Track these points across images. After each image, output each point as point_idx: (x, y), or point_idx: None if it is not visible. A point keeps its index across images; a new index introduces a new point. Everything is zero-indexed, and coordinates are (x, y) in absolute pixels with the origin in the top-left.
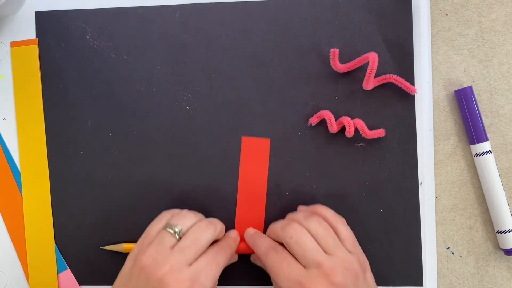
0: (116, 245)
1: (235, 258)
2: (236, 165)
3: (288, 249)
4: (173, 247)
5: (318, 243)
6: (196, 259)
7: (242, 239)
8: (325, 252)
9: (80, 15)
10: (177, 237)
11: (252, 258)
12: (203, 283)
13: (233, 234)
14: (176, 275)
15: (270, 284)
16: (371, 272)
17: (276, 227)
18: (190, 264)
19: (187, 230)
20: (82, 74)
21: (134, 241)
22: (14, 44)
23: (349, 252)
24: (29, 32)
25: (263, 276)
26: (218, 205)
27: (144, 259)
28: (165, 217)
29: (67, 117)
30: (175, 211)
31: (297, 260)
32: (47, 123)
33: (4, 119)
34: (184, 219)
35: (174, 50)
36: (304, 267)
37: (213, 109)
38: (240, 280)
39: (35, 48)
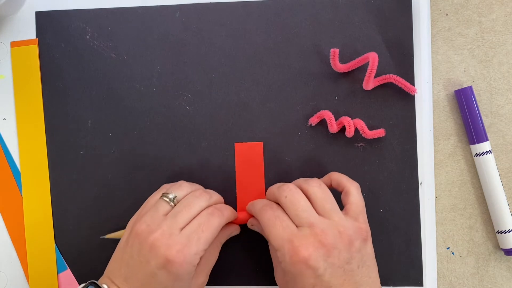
0: (117, 232)
1: (237, 230)
2: None
3: (284, 208)
4: (167, 214)
5: (314, 206)
6: (188, 223)
7: (244, 209)
8: (321, 215)
9: (80, 15)
10: (172, 204)
11: (249, 223)
12: (195, 246)
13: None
14: (167, 240)
15: (271, 284)
16: (371, 244)
17: (273, 188)
18: (182, 229)
19: (182, 198)
20: (82, 74)
21: None
22: (14, 44)
23: (351, 219)
24: (29, 32)
25: (264, 276)
26: None
27: (138, 226)
28: (164, 188)
29: (67, 117)
30: (175, 183)
31: (291, 220)
32: (47, 123)
33: (4, 119)
34: (180, 188)
35: (174, 50)
36: (297, 226)
37: (213, 109)
38: (241, 280)
39: (35, 48)
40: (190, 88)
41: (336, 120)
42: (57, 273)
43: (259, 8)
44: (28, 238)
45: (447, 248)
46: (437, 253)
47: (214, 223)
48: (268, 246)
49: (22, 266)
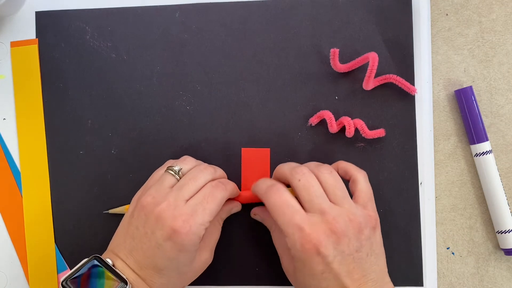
0: (120, 207)
1: (238, 207)
2: (237, 165)
3: (295, 192)
4: (172, 186)
5: (326, 192)
6: (193, 196)
7: (248, 188)
8: (332, 202)
9: (80, 15)
10: (177, 177)
11: (252, 213)
12: (201, 216)
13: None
14: (173, 211)
15: (271, 284)
16: (380, 232)
17: (284, 167)
18: (187, 201)
19: (188, 172)
20: (82, 74)
21: None
22: (14, 44)
23: (361, 206)
24: (29, 32)
25: (264, 276)
26: None
27: (144, 199)
28: (168, 163)
29: (67, 117)
30: (179, 159)
31: (298, 202)
32: (47, 123)
33: (4, 119)
34: (185, 162)
35: (174, 50)
36: (306, 211)
37: (213, 109)
38: (241, 280)
39: (35, 48)
40: (190, 88)
41: (336, 120)
42: (57, 273)
43: (259, 8)
44: (28, 238)
45: (447, 248)
46: (437, 253)
47: (218, 196)
48: (265, 243)
49: (22, 266)
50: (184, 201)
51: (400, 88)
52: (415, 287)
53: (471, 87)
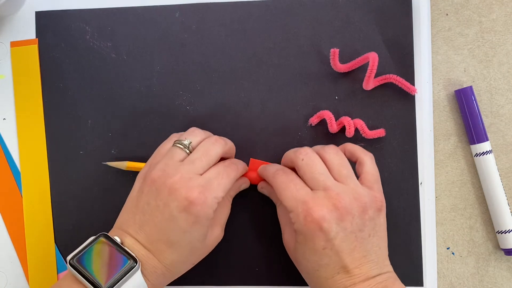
0: (120, 162)
1: (247, 183)
2: None
3: (299, 173)
4: (183, 160)
5: (331, 171)
6: (206, 171)
7: (255, 169)
8: (337, 180)
9: (80, 15)
10: (187, 151)
11: (259, 186)
12: (215, 190)
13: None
14: (187, 182)
15: (271, 284)
16: (385, 215)
17: (290, 152)
18: (201, 175)
19: (197, 145)
20: (82, 74)
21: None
22: (14, 44)
23: (367, 187)
24: (29, 32)
25: (264, 276)
26: None
27: (154, 173)
28: (174, 137)
29: (67, 117)
30: (185, 131)
31: (306, 184)
32: (47, 123)
33: (4, 119)
34: (193, 134)
35: (174, 50)
36: (312, 190)
37: (213, 109)
38: (241, 280)
39: (35, 48)
40: (190, 88)
41: (336, 120)
42: (57, 273)
43: (259, 8)
44: (28, 238)
45: (447, 248)
46: (437, 253)
47: (231, 174)
48: (265, 243)
49: (22, 266)
50: (198, 174)
51: (400, 88)
52: (415, 287)
53: (471, 87)
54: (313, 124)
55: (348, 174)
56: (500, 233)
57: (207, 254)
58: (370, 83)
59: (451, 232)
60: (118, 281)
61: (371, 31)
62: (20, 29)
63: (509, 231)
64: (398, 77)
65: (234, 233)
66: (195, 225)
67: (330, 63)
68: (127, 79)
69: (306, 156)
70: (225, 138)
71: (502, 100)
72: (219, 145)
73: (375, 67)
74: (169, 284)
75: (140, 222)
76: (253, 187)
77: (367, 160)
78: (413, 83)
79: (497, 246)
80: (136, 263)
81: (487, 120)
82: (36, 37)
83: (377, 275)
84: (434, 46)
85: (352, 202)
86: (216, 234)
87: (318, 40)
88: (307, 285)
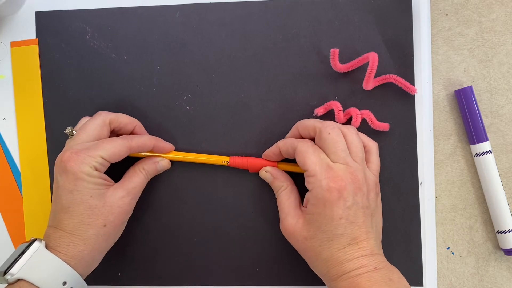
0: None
1: (168, 164)
2: None
3: (321, 143)
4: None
5: (349, 151)
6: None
7: (254, 163)
8: (353, 160)
9: (80, 15)
10: (71, 136)
11: (263, 170)
12: (92, 150)
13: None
14: (64, 153)
15: (271, 284)
16: (381, 201)
17: (312, 120)
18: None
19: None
20: (82, 74)
21: (134, 237)
22: (14, 44)
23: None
24: (29, 32)
25: (264, 275)
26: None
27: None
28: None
29: (67, 117)
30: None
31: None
32: (47, 123)
33: (4, 119)
34: (80, 123)
35: (174, 50)
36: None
37: (213, 109)
38: (241, 280)
39: (35, 48)
40: (190, 88)
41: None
42: None
43: (259, 8)
44: (28, 238)
45: (447, 248)
46: (437, 253)
47: (118, 141)
48: (264, 243)
49: None
50: (77, 144)
51: (400, 88)
52: (415, 287)
53: (471, 87)
54: (318, 115)
55: (362, 157)
56: (500, 233)
57: (120, 220)
58: (370, 83)
59: (451, 232)
60: (15, 261)
61: (371, 31)
62: (20, 29)
63: (509, 231)
64: (398, 77)
65: (234, 233)
66: (77, 181)
67: (330, 63)
68: (127, 79)
69: (333, 131)
70: (116, 113)
71: (502, 100)
72: (96, 119)
73: (375, 67)
74: (169, 284)
75: (54, 208)
76: (253, 188)
77: (374, 150)
78: (413, 83)
79: (497, 246)
80: (33, 243)
81: (487, 120)
82: (36, 37)
83: (378, 254)
84: (434, 46)
85: (363, 180)
86: (118, 195)
87: (318, 40)
88: (307, 285)
